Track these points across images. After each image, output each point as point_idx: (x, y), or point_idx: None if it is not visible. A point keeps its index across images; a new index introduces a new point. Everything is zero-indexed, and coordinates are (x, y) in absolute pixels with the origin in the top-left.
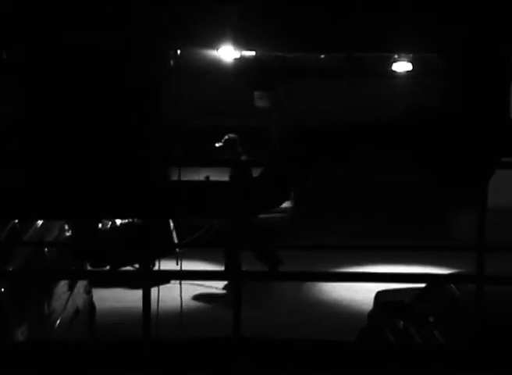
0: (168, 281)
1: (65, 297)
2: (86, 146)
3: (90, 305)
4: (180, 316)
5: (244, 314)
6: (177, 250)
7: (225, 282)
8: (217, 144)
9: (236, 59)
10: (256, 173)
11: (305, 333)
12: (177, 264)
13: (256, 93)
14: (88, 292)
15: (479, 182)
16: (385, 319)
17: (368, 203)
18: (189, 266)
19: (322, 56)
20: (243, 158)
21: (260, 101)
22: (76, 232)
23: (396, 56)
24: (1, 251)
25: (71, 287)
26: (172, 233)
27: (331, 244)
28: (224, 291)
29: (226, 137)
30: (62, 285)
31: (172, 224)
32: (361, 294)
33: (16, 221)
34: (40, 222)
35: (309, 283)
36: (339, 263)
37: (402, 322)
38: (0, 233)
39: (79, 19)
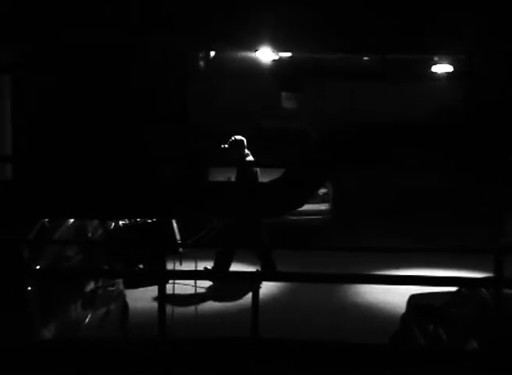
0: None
1: (96, 296)
2: (104, 146)
3: (123, 304)
4: (195, 316)
5: (278, 315)
6: (180, 250)
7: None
8: (222, 146)
9: (268, 61)
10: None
11: (338, 336)
12: (180, 264)
13: (283, 94)
14: (120, 292)
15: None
16: (416, 322)
17: (407, 205)
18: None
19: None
20: (249, 159)
21: (287, 102)
22: (109, 232)
23: (436, 58)
24: (31, 250)
25: (102, 287)
26: (175, 233)
27: (368, 246)
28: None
29: (232, 138)
30: (93, 285)
31: (175, 224)
32: (397, 298)
33: (46, 220)
34: (71, 221)
35: (345, 286)
36: (378, 266)
37: (432, 325)
38: (29, 232)
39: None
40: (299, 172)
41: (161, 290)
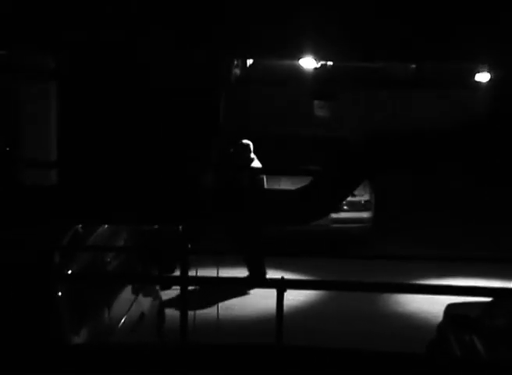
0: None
1: (130, 301)
2: (142, 152)
3: (159, 309)
4: (217, 323)
5: (318, 323)
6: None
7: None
8: (231, 150)
9: (308, 69)
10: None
11: (375, 344)
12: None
13: (316, 102)
14: (156, 297)
15: None
16: (452, 331)
17: (450, 213)
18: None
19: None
20: (255, 164)
21: (320, 110)
22: (146, 237)
23: (480, 67)
24: (62, 256)
25: (136, 292)
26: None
27: (410, 254)
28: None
29: (239, 142)
30: (127, 289)
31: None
32: (438, 307)
33: (80, 226)
34: (105, 226)
35: (386, 295)
36: (418, 274)
37: (468, 336)
38: (62, 237)
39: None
40: (329, 179)
41: (183, 294)
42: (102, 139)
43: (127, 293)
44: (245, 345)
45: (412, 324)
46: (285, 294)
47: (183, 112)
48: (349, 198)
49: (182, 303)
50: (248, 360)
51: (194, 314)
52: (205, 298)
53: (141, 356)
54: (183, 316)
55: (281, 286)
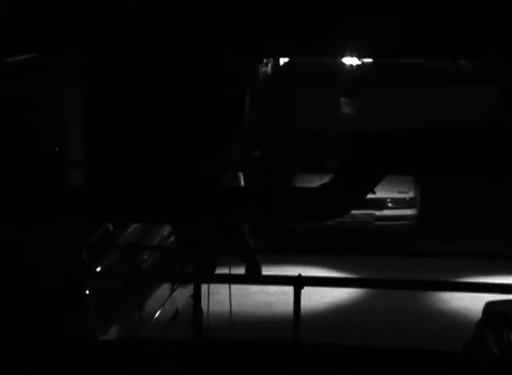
0: None
1: (164, 298)
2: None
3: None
4: (230, 320)
5: (359, 321)
6: None
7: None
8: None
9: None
10: None
11: (416, 341)
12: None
13: (342, 99)
14: (192, 295)
15: None
16: (490, 329)
17: (495, 211)
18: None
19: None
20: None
21: (346, 107)
22: (182, 237)
23: None
24: (91, 253)
25: (171, 289)
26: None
27: (450, 252)
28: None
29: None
30: (162, 286)
31: None
32: (481, 304)
33: (110, 224)
34: (136, 226)
35: (430, 293)
36: (463, 272)
37: (506, 333)
38: (91, 235)
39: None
40: (345, 177)
41: (197, 292)
42: (125, 140)
43: (161, 290)
44: (265, 343)
45: (453, 322)
46: (329, 291)
47: (204, 113)
48: (393, 195)
49: (195, 300)
50: (269, 358)
51: (207, 312)
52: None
53: (167, 352)
54: (197, 313)
55: (298, 283)
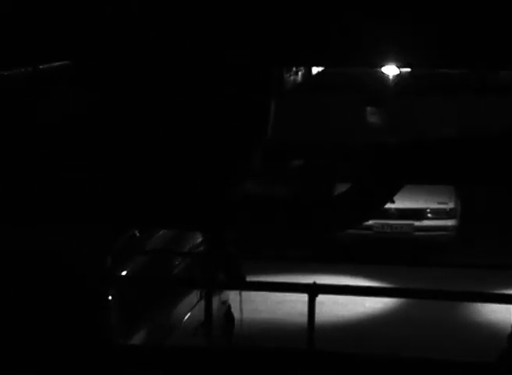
0: None
1: (192, 304)
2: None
3: (227, 314)
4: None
5: (393, 332)
6: None
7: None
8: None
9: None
10: None
11: (449, 353)
12: None
13: (368, 109)
14: (224, 302)
15: None
16: None
17: None
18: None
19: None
20: None
21: (372, 117)
22: (213, 243)
23: None
24: (116, 259)
25: (200, 296)
26: None
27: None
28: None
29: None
30: (191, 294)
31: None
32: None
33: (136, 230)
34: (165, 232)
35: (466, 304)
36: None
37: None
38: (115, 242)
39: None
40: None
41: (208, 299)
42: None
43: (190, 296)
44: (280, 350)
45: (489, 334)
46: (362, 301)
47: (222, 120)
48: (433, 206)
49: (206, 307)
50: (282, 364)
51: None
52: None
53: (189, 358)
54: (208, 318)
55: (312, 291)
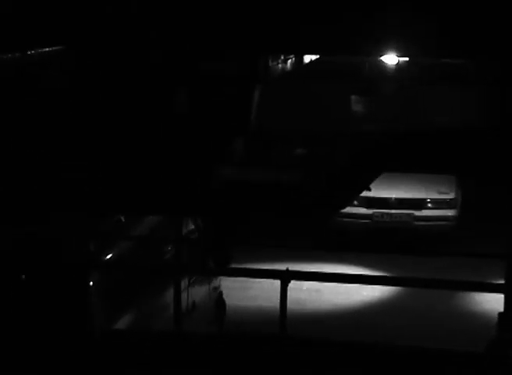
0: None
1: (181, 290)
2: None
3: (218, 300)
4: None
5: (389, 321)
6: None
7: None
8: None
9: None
10: None
11: (443, 342)
12: None
13: (353, 97)
14: (215, 289)
15: None
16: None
17: None
18: None
19: None
20: None
21: (356, 105)
22: (207, 230)
23: None
24: (100, 243)
25: (188, 282)
26: None
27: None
28: None
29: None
30: (185, 278)
31: None
32: None
33: (122, 216)
34: (154, 218)
35: (462, 294)
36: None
37: None
38: (99, 227)
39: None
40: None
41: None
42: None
43: (178, 282)
44: (251, 336)
45: (483, 323)
46: (359, 289)
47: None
48: (434, 196)
49: (175, 292)
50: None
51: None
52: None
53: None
54: (177, 305)
55: (285, 277)
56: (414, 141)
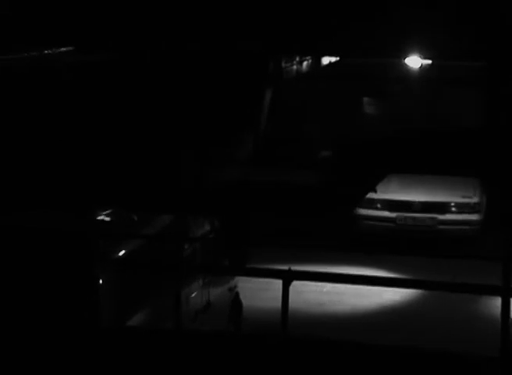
0: None
1: (195, 290)
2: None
3: (236, 302)
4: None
5: (408, 324)
6: None
7: None
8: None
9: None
10: None
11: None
12: None
13: (365, 99)
14: (231, 289)
15: None
16: None
17: None
18: None
19: None
20: None
21: (369, 107)
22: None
23: None
24: (109, 242)
25: (203, 282)
26: None
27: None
28: None
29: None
30: (194, 279)
31: None
32: None
33: (134, 214)
34: (164, 217)
35: (483, 298)
36: None
37: None
38: (110, 225)
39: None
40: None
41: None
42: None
43: (192, 282)
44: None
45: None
46: (381, 293)
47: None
48: (457, 200)
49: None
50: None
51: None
52: None
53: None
54: (177, 302)
55: (287, 277)
56: (429, 142)
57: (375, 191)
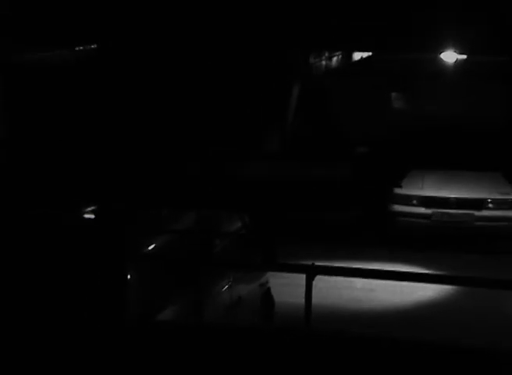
0: None
1: (224, 284)
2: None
3: (267, 297)
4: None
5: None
6: None
7: None
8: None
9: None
10: None
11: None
12: None
13: (393, 94)
14: (263, 285)
15: None
16: None
17: None
18: None
19: None
20: None
21: (397, 102)
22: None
23: None
24: (138, 237)
25: (234, 276)
26: None
27: None
28: None
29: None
30: (223, 273)
31: None
32: None
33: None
34: (198, 213)
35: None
36: None
37: None
38: (139, 220)
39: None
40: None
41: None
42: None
43: (222, 277)
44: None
45: None
46: (414, 289)
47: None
48: (494, 196)
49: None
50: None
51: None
52: None
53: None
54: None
55: (311, 271)
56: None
57: (401, 187)
